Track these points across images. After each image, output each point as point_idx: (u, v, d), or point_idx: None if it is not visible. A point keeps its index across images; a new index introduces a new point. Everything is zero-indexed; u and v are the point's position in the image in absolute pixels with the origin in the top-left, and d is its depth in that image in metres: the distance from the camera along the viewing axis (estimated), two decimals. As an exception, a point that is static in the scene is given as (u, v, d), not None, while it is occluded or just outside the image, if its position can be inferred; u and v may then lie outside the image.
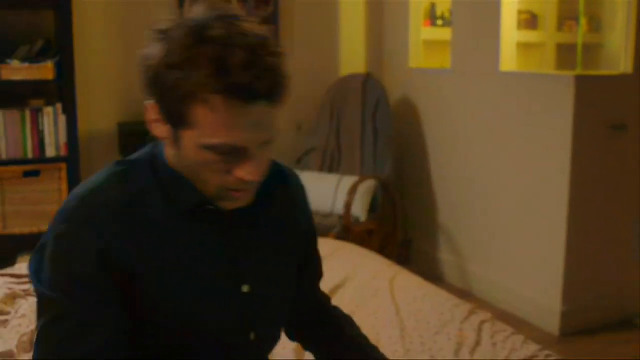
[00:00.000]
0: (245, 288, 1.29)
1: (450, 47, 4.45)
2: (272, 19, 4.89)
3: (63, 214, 1.19)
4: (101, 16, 4.63)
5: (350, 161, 4.65)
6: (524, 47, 4.59)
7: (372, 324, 2.32)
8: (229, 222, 1.27)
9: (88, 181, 1.23)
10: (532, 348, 2.12)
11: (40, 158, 4.10)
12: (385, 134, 4.55)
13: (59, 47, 4.14)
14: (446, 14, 4.98)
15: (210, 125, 1.10)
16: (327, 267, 2.84)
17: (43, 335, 1.16)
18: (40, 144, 4.12)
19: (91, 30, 4.57)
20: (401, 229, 4.68)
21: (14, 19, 4.35)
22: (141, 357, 1.22)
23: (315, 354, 1.58)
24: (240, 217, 1.27)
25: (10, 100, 4.14)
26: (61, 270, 1.16)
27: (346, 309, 2.44)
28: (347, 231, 4.18)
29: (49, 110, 4.11)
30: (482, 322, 2.32)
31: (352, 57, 5.09)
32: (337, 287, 2.63)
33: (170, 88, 1.10)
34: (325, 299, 1.64)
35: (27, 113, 4.10)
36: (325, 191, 4.45)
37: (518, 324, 3.70)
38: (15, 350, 2.11)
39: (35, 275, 1.20)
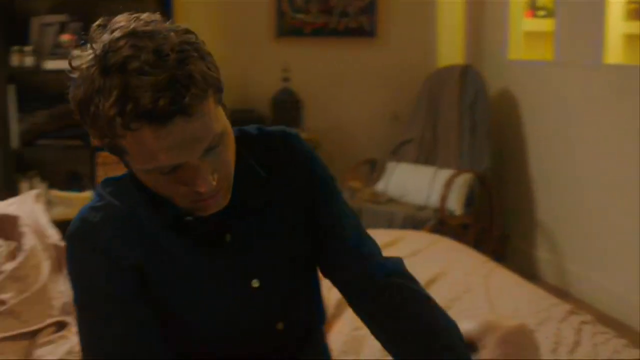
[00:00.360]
0: (255, 283, 1.27)
1: (554, 39, 4.31)
2: (369, 10, 4.86)
3: (70, 237, 1.21)
4: (202, 6, 4.70)
5: (446, 154, 4.58)
6: (631, 39, 4.41)
7: (466, 321, 2.27)
8: (220, 223, 1.24)
9: (86, 205, 1.25)
10: (635, 353, 2.03)
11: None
12: (484, 127, 4.45)
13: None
14: (548, 5, 4.83)
15: (137, 154, 1.08)
16: (420, 261, 2.82)
17: (83, 345, 1.21)
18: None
19: (191, 21, 4.65)
20: (498, 224, 4.58)
21: (117, 9, 4.45)
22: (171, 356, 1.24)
23: (370, 329, 1.37)
24: (230, 214, 1.23)
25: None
26: (84, 285, 1.20)
27: (440, 304, 2.41)
28: (442, 225, 4.12)
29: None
30: (583, 323, 2.24)
31: (450, 49, 5.00)
32: (430, 282, 2.58)
33: (92, 123, 1.08)
34: (373, 256, 1.39)
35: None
36: (420, 183, 4.40)
37: (619, 327, 3.55)
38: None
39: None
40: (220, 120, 1.11)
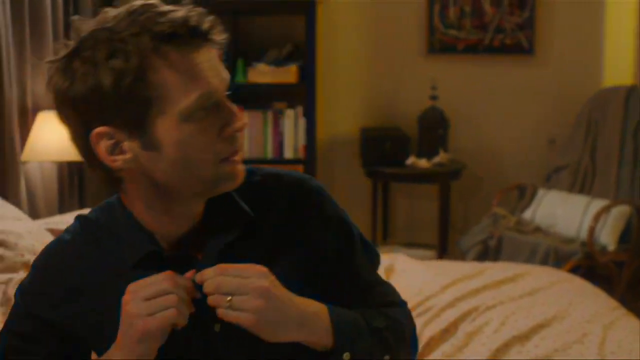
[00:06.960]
0: (217, 327, 1.13)
1: None
2: (527, 25, 4.57)
3: (33, 266, 1.21)
4: (349, 22, 4.63)
5: (604, 182, 4.19)
6: None
7: (565, 377, 2.01)
8: (193, 265, 1.12)
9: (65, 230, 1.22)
10: None
11: (279, 159, 4.19)
12: (648, 154, 4.03)
13: (305, 51, 4.21)
14: None
15: (179, 84, 1.03)
16: (537, 301, 2.54)
17: None
18: (279, 146, 4.22)
19: (337, 36, 4.59)
20: (660, 263, 4.12)
21: (267, 24, 4.50)
22: None
23: None
24: (208, 257, 1.13)
25: (256, 102, 4.28)
26: (8, 323, 1.19)
27: (542, 354, 2.15)
28: (591, 260, 3.76)
29: (290, 113, 4.19)
30: None
31: (618, 67, 4.58)
32: (539, 327, 2.31)
33: (131, 84, 1.02)
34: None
35: (270, 115, 4.21)
36: (571, 214, 4.04)
37: None
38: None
39: None
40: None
